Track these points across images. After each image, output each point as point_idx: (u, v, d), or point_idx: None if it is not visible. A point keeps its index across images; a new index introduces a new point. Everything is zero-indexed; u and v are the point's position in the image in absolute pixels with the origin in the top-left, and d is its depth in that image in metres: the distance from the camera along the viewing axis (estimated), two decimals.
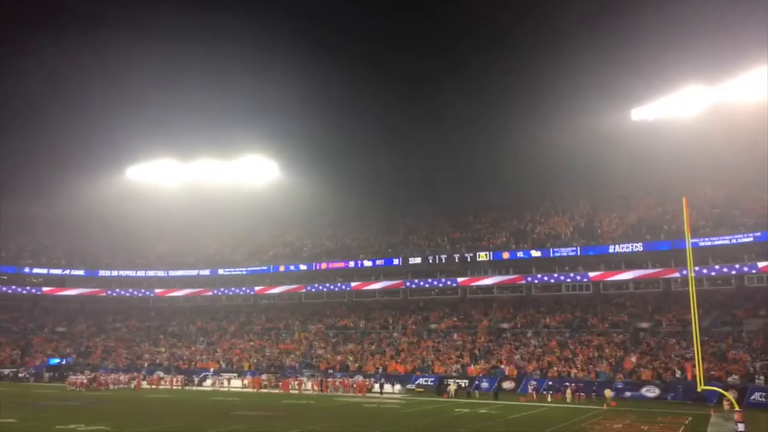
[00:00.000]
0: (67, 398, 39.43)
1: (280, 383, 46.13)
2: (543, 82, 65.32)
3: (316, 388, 44.43)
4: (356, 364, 50.79)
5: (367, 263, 62.65)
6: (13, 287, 69.28)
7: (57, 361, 59.45)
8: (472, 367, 46.42)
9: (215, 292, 69.49)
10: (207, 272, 69.52)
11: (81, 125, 76.00)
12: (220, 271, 69.12)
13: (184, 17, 66.08)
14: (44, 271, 70.86)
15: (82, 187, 72.54)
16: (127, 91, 75.42)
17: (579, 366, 43.09)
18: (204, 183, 75.66)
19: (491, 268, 58.35)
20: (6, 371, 55.92)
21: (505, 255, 56.42)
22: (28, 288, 70.14)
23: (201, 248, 75.76)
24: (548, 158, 64.05)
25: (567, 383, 39.26)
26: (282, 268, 66.49)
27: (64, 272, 71.45)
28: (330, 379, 45.89)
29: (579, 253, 53.24)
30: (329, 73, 75.99)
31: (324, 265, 64.64)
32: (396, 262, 61.42)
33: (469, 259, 57.71)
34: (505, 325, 53.40)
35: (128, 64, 75.17)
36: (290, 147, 73.27)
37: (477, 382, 43.73)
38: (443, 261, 59.07)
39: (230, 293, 69.39)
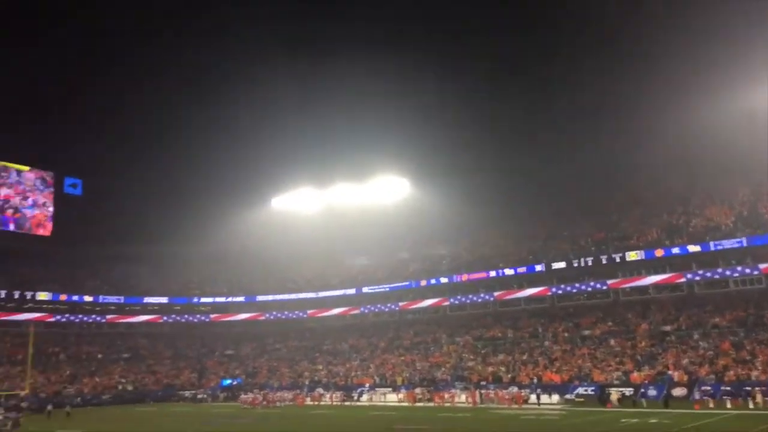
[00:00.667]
0: (241, 416, 42.72)
1: (434, 396, 46.57)
2: (685, 60, 60.18)
3: (470, 400, 44.31)
4: (509, 375, 49.96)
5: (509, 272, 61.62)
6: (186, 316, 76.90)
7: (228, 382, 64.64)
8: (635, 374, 43.78)
9: (362, 309, 71.87)
10: (352, 291, 72.17)
11: (230, 162, 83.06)
12: (365, 290, 71.45)
13: (314, 47, 69.77)
14: (210, 299, 78.02)
15: (235, 221, 79.21)
16: (269, 125, 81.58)
17: (761, 368, 39.08)
18: (341, 206, 79.23)
19: (644, 268, 54.82)
20: (186, 393, 61.83)
21: (659, 252, 52.75)
22: (198, 316, 77.46)
23: (346, 269, 78.85)
24: (696, 144, 58.94)
25: (748, 387, 35.77)
26: (423, 283, 67.33)
27: (227, 299, 78.04)
28: (484, 391, 45.51)
29: (745, 244, 48.42)
30: (455, 84, 76.19)
31: (464, 277, 64.55)
32: (539, 268, 59.77)
33: (617, 260, 54.66)
34: (667, 328, 49.83)
35: (267, 98, 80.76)
36: (420, 163, 74.38)
37: (643, 390, 41.12)
38: (589, 264, 56.45)
39: (376, 310, 71.42)
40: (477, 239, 72.74)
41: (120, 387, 63.18)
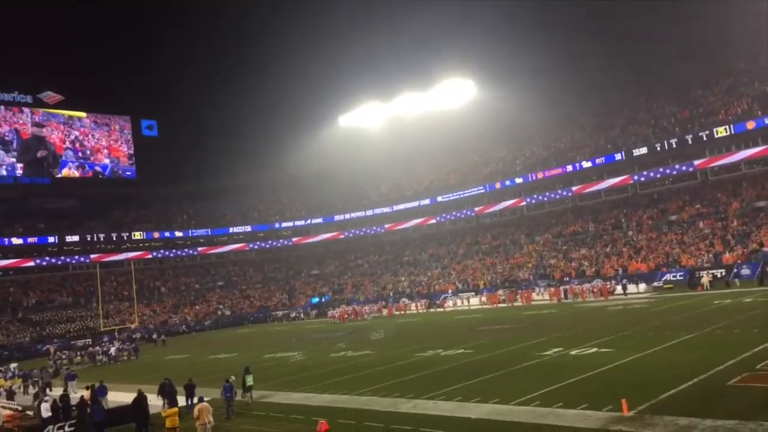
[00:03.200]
0: (332, 330, 44.75)
1: (518, 296, 46.73)
2: None
3: (554, 297, 44.14)
4: (593, 269, 49.14)
5: (586, 164, 59.32)
6: (270, 242, 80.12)
7: (317, 299, 67.59)
8: (727, 254, 41.87)
9: (438, 219, 72.01)
10: (427, 201, 72.19)
11: (295, 84, 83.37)
12: (439, 198, 71.24)
13: None
14: (291, 224, 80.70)
15: (305, 144, 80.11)
16: (331, 42, 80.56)
17: None
18: (407, 117, 78.16)
19: (734, 143, 51.09)
20: (279, 313, 65.33)
21: (750, 125, 48.81)
22: (281, 241, 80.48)
23: (417, 179, 78.66)
24: None
25: None
26: (498, 185, 66.21)
27: (307, 222, 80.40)
28: (568, 287, 45.12)
29: None
30: None
31: (540, 175, 62.81)
32: (618, 157, 57.12)
33: (705, 138, 51.17)
34: (761, 204, 46.81)
35: (326, 13, 79.24)
36: (487, 63, 71.46)
37: (736, 270, 39.36)
38: (673, 146, 53.27)
39: (452, 218, 71.38)
40: (551, 135, 70.08)
41: (219, 312, 67.56)
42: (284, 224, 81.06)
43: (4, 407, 21.90)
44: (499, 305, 46.54)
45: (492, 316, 38.79)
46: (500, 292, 49.57)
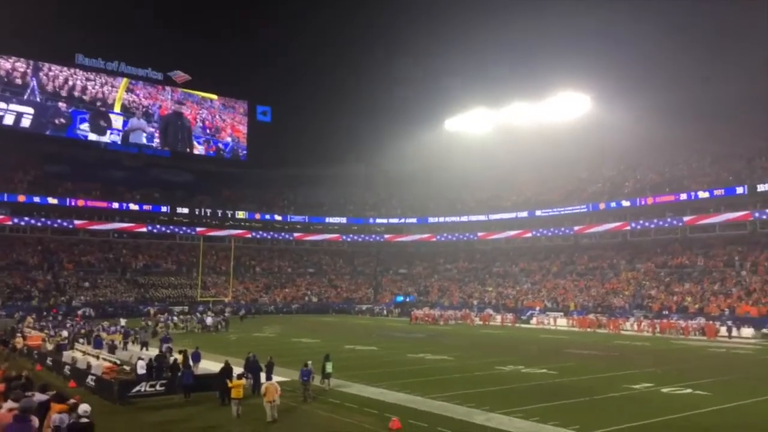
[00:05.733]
0: (413, 331, 44.83)
1: (609, 323, 44.63)
2: None
3: (650, 329, 41.78)
4: (696, 306, 46.02)
5: (703, 194, 55.55)
6: (362, 236, 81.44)
7: (402, 298, 67.91)
8: None
9: (534, 233, 70.12)
10: (525, 214, 70.45)
11: (406, 84, 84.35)
12: (538, 213, 69.33)
13: None
14: (384, 221, 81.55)
15: (409, 143, 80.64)
16: (445, 44, 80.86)
17: None
18: (515, 126, 76.63)
19: None
20: (364, 307, 66.27)
21: None
22: (373, 236, 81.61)
23: (517, 191, 77.00)
24: None
25: None
26: (602, 206, 63.44)
27: (401, 221, 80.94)
28: (666, 321, 42.56)
29: None
30: None
31: (650, 200, 59.55)
32: (740, 190, 53.06)
33: None
34: None
35: (443, 15, 79.63)
36: (605, 78, 68.55)
37: None
38: None
39: (549, 234, 69.26)
40: (666, 159, 66.20)
41: (306, 298, 69.55)
42: (378, 220, 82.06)
43: (105, 359, 23.63)
44: (589, 329, 44.67)
45: (580, 340, 37.32)
46: (591, 316, 47.60)
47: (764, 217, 52.23)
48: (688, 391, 19.30)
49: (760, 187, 51.46)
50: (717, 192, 54.54)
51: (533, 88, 71.95)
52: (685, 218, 57.20)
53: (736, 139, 62.04)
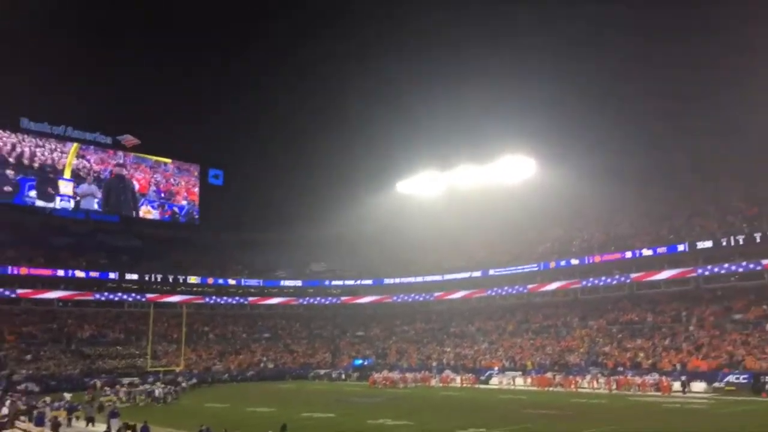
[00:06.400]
0: (372, 395, 44.04)
1: (566, 382, 44.99)
2: None
3: (605, 387, 42.30)
4: (648, 361, 46.98)
5: (647, 252, 57.65)
6: (319, 298, 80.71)
7: (360, 361, 66.85)
8: None
9: (489, 292, 70.88)
10: (478, 274, 71.35)
11: (357, 149, 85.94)
12: (491, 272, 70.35)
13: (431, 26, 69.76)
14: (340, 282, 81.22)
15: (363, 206, 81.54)
16: (393, 110, 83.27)
17: None
18: (465, 188, 78.58)
19: None
20: (322, 372, 64.86)
21: None
22: (329, 299, 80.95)
23: (470, 251, 78.14)
24: None
25: None
26: (552, 265, 64.98)
27: (356, 282, 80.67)
28: (621, 377, 43.21)
29: None
30: (584, 63, 72.13)
31: (597, 258, 61.42)
32: (681, 248, 55.34)
33: None
34: None
35: (390, 84, 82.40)
36: (548, 142, 71.57)
37: None
38: (740, 243, 51.33)
39: (503, 293, 70.15)
40: (611, 219, 68.86)
41: (262, 365, 67.64)
42: (334, 282, 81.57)
43: None
44: (548, 388, 44.89)
45: (538, 399, 37.43)
46: (549, 374, 47.90)
47: (706, 273, 54.43)
48: None
49: (700, 245, 53.80)
50: (660, 250, 56.66)
51: (481, 151, 74.18)
52: (632, 275, 59.00)
53: (677, 200, 65.26)
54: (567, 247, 67.21)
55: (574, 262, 63.08)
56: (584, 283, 62.72)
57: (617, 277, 60.35)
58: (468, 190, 78.09)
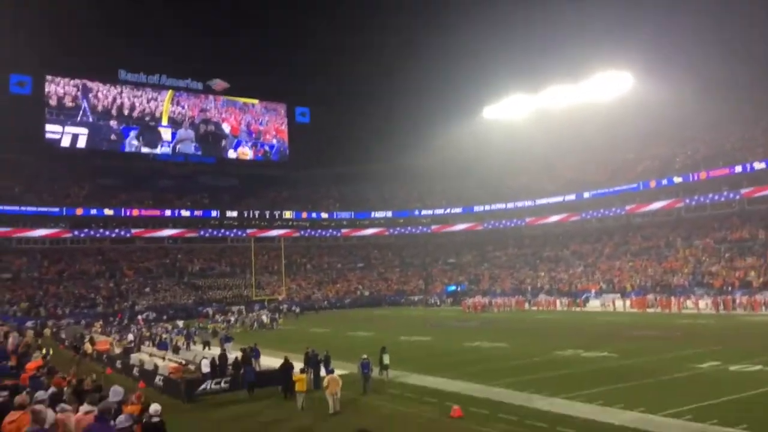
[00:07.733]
0: (466, 319, 44.66)
1: (669, 303, 43.40)
2: None
3: (712, 307, 40.48)
4: (760, 280, 44.26)
5: (759, 165, 53.29)
6: (409, 228, 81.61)
7: (453, 288, 67.68)
8: None
9: (584, 215, 68.68)
10: (572, 197, 69.09)
11: (443, 75, 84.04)
12: (585, 194, 67.87)
13: None
14: (430, 212, 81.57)
15: (449, 134, 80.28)
16: (482, 33, 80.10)
17: None
18: (555, 109, 75.35)
19: None
20: (416, 298, 66.39)
21: None
22: (420, 228, 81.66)
23: (562, 174, 75.52)
24: None
25: None
26: (653, 184, 61.63)
27: (446, 211, 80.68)
28: (729, 297, 41.13)
29: None
30: None
31: (703, 174, 57.55)
32: None
33: None
34: None
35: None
36: (647, 53, 66.43)
37: None
38: None
39: (599, 215, 67.77)
40: (718, 132, 63.75)
41: (358, 293, 70.12)
42: (424, 212, 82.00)
43: (170, 360, 24.47)
44: (649, 310, 43.60)
45: (640, 321, 36.48)
46: (650, 296, 46.39)
47: None
48: (759, 367, 18.67)
49: None
50: None
51: (572, 69, 70.51)
52: (743, 191, 55.03)
53: None
54: (669, 164, 63.34)
55: (677, 179, 59.53)
56: (688, 201, 59.30)
57: (725, 193, 56.48)
58: (558, 110, 74.90)
